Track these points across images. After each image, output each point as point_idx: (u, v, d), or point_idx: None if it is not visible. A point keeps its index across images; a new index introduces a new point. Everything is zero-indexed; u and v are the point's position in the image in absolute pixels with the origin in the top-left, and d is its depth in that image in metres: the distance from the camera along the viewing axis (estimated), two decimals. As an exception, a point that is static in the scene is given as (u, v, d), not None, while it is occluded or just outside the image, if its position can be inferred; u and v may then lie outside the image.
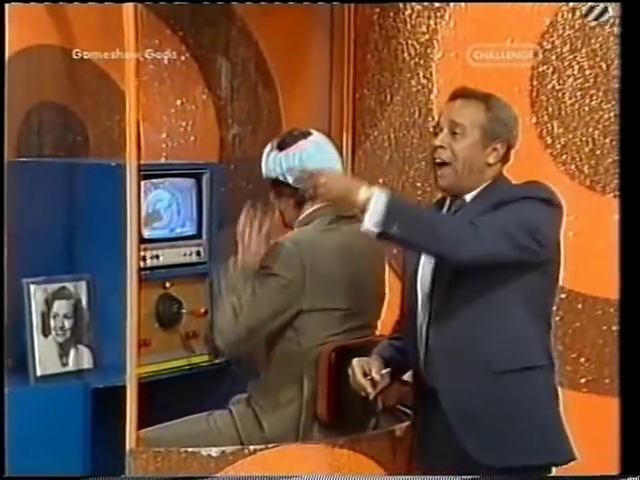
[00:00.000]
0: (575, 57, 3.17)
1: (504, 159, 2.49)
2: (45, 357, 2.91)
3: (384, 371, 2.49)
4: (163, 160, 3.39)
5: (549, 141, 3.21)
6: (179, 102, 3.44)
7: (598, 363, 3.15)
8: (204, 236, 3.21)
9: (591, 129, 3.16)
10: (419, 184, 3.31)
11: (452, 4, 3.24)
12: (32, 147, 3.20)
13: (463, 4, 3.22)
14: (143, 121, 2.84)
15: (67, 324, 2.96)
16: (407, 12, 3.30)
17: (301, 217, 2.83)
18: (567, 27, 3.17)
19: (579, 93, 3.18)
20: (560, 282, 2.54)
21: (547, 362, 2.46)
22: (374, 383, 2.49)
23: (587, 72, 3.16)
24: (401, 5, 3.29)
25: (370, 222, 2.30)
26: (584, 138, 3.18)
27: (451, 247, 2.31)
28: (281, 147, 2.83)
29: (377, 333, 2.87)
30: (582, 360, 3.18)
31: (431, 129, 3.24)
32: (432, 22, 3.27)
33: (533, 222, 2.37)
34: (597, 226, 3.10)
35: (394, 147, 3.36)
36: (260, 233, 2.73)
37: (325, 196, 2.39)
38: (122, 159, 2.75)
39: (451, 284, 2.40)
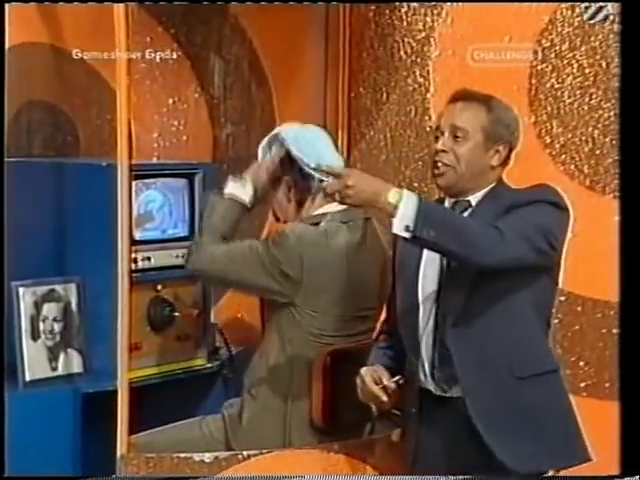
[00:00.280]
0: (574, 55, 3.17)
1: (505, 161, 2.50)
2: (34, 361, 2.90)
3: (395, 378, 2.48)
4: (155, 160, 3.39)
5: (548, 140, 3.20)
6: (171, 101, 3.43)
7: (598, 367, 3.14)
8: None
9: (591, 128, 3.16)
10: (416, 184, 3.30)
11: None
12: (21, 147, 3.19)
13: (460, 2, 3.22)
14: (134, 120, 2.84)
15: (57, 327, 2.96)
16: (403, 9, 3.29)
17: (311, 214, 2.81)
18: (566, 25, 3.17)
19: (578, 92, 3.17)
20: (559, 284, 2.55)
21: (557, 366, 2.50)
22: (387, 391, 2.47)
23: (586, 70, 3.16)
24: (397, 2, 3.28)
25: (401, 226, 2.28)
26: (584, 137, 3.18)
27: (480, 252, 2.31)
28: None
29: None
30: (582, 364, 3.17)
31: (428, 128, 3.24)
32: (429, 19, 3.27)
33: (547, 225, 2.39)
34: (597, 227, 3.09)
35: (390, 147, 3.35)
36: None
37: (352, 198, 2.31)
38: (113, 159, 2.75)
39: (469, 290, 2.40)
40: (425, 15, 3.27)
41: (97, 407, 2.81)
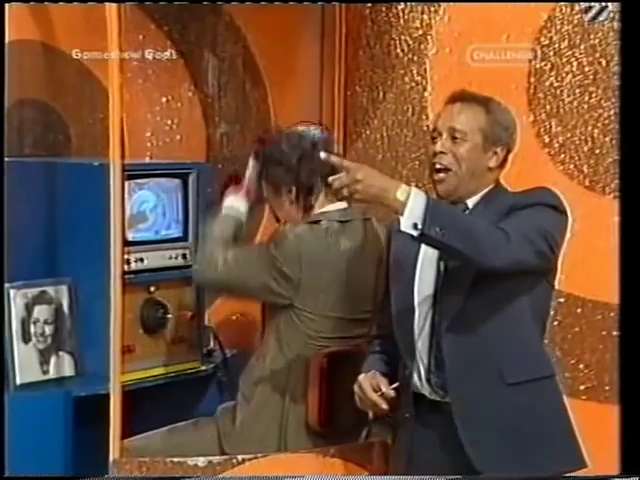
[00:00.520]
0: (574, 53, 3.17)
1: (503, 163, 2.51)
2: (25, 365, 2.89)
3: (394, 385, 2.48)
4: (148, 160, 3.38)
5: (547, 140, 3.20)
6: (164, 100, 3.42)
7: (598, 369, 3.14)
8: (190, 238, 3.20)
9: (590, 127, 3.16)
10: (413, 184, 3.29)
11: (446, -1, 3.23)
12: (12, 146, 3.18)
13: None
14: (127, 119, 2.83)
15: (48, 330, 2.95)
16: (400, 7, 3.29)
17: (312, 213, 2.82)
18: (565, 22, 3.17)
19: (578, 90, 3.17)
20: (558, 286, 2.56)
21: (553, 371, 2.49)
22: (386, 399, 2.47)
23: (586, 69, 3.16)
24: (394, 2, 3.28)
25: (409, 224, 2.27)
26: (583, 137, 3.17)
27: (486, 253, 2.30)
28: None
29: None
30: (581, 366, 3.17)
31: (425, 128, 3.24)
32: (426, 17, 3.26)
33: (547, 228, 2.39)
34: (597, 228, 3.09)
35: (387, 146, 3.35)
36: None
37: (360, 193, 2.29)
38: (105, 158, 2.74)
39: (467, 293, 2.40)
40: (422, 13, 3.27)
41: (89, 411, 2.80)
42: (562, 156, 3.20)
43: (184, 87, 3.45)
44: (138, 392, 2.92)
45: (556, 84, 3.19)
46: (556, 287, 2.56)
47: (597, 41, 3.14)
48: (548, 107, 3.19)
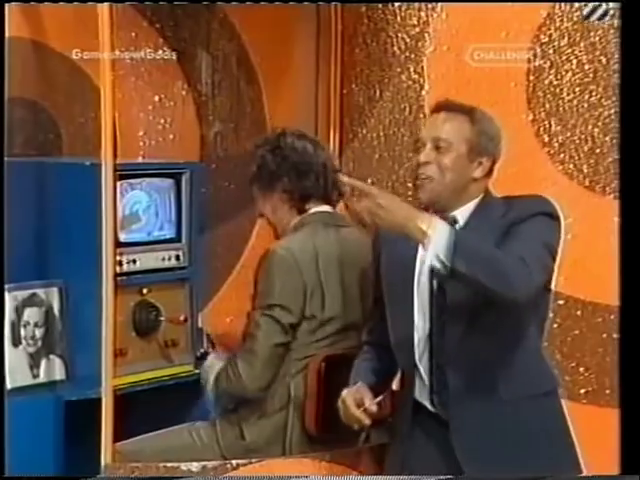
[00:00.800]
0: (573, 51, 3.17)
1: (489, 173, 2.50)
2: (15, 369, 2.89)
3: (377, 399, 2.48)
4: (140, 159, 3.37)
5: (546, 139, 3.20)
6: (157, 98, 3.42)
7: (598, 373, 3.14)
8: (183, 240, 3.20)
9: (590, 126, 3.16)
10: (410, 184, 3.29)
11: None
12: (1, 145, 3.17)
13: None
14: (119, 118, 2.83)
15: (38, 333, 2.94)
16: (397, 4, 3.29)
17: (292, 224, 2.83)
18: (565, 19, 3.17)
19: (578, 89, 3.17)
20: (558, 288, 2.57)
21: (555, 384, 2.51)
22: (369, 414, 2.47)
23: (586, 67, 3.16)
24: (390, 2, 3.27)
25: (434, 257, 2.27)
26: (583, 136, 3.17)
27: (512, 286, 2.30)
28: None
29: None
30: (581, 370, 3.17)
31: (423, 127, 3.23)
32: (423, 14, 3.26)
33: (550, 241, 2.42)
34: (596, 228, 3.09)
35: (384, 145, 3.35)
36: None
37: (382, 220, 2.29)
38: (97, 158, 2.74)
39: (470, 316, 2.40)
40: (419, 10, 3.27)
41: (80, 416, 2.80)
42: (562, 155, 3.19)
43: (177, 85, 3.44)
44: (130, 396, 2.91)
45: (556, 82, 3.19)
46: (554, 289, 2.58)
47: (597, 39, 3.14)
48: (547, 106, 3.19)
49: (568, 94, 3.19)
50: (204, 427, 2.86)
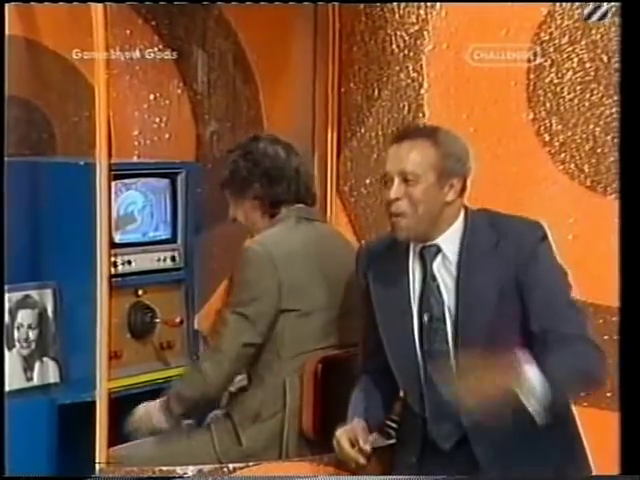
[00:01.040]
0: (574, 49, 3.17)
1: (462, 193, 2.50)
2: (8, 371, 2.88)
3: (371, 437, 2.48)
4: (135, 159, 3.38)
5: (547, 138, 3.20)
6: (152, 97, 3.42)
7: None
8: (179, 240, 3.21)
9: (592, 126, 3.16)
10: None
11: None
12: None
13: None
14: (114, 117, 2.83)
15: (32, 335, 2.94)
16: (395, 1, 3.29)
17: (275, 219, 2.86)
18: (566, 17, 3.17)
19: (579, 87, 3.17)
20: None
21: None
22: (364, 453, 2.47)
23: (587, 65, 3.16)
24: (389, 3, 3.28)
25: (539, 407, 2.29)
26: (584, 135, 3.17)
27: (595, 375, 2.41)
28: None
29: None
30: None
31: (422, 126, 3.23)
32: (422, 12, 3.26)
33: (559, 266, 2.49)
34: (598, 229, 3.09)
35: (382, 145, 3.35)
36: None
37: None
38: (91, 158, 2.74)
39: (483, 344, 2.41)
40: (418, 7, 3.27)
41: (74, 419, 2.80)
42: (562, 155, 3.20)
43: (173, 84, 3.44)
44: (125, 399, 2.91)
45: (556, 81, 3.19)
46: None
47: (599, 37, 3.14)
48: (548, 105, 3.19)
49: (569, 93, 3.19)
50: (199, 432, 2.86)
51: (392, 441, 2.55)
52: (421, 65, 3.28)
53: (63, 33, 3.08)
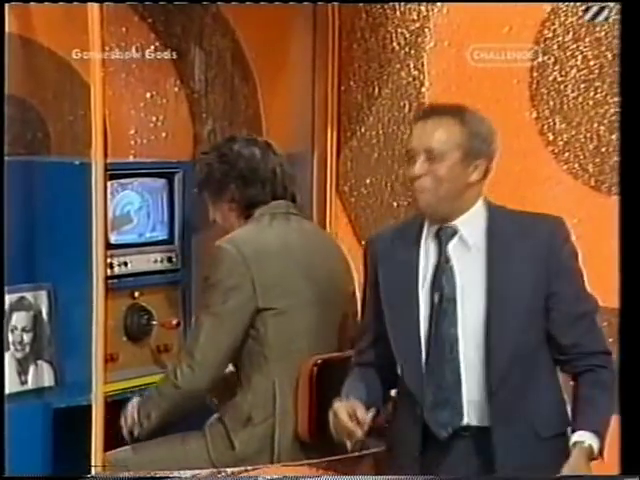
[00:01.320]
0: (578, 47, 3.18)
1: (485, 175, 2.51)
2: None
3: (370, 413, 2.48)
4: (131, 158, 3.38)
5: (550, 138, 3.21)
6: (149, 95, 3.42)
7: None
8: (176, 241, 3.21)
9: (596, 124, 3.16)
10: (409, 184, 3.29)
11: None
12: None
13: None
14: (109, 116, 2.83)
15: (26, 338, 2.95)
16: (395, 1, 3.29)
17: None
18: (569, 14, 3.17)
19: (583, 85, 3.18)
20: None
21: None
22: (362, 426, 2.47)
23: (591, 63, 3.17)
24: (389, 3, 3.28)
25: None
26: (588, 134, 3.18)
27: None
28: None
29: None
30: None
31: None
32: (423, 9, 3.27)
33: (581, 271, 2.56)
34: (602, 229, 3.09)
35: (383, 144, 3.35)
36: None
37: None
38: (87, 157, 2.75)
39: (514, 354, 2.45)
40: (419, 4, 3.27)
41: (70, 423, 2.80)
42: (566, 154, 3.20)
43: (170, 82, 3.45)
44: (121, 403, 2.91)
45: (560, 79, 3.19)
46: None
47: (603, 34, 3.15)
48: (552, 103, 3.20)
49: (573, 91, 3.19)
50: (195, 437, 2.86)
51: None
52: (422, 63, 3.28)
53: (58, 31, 3.08)
